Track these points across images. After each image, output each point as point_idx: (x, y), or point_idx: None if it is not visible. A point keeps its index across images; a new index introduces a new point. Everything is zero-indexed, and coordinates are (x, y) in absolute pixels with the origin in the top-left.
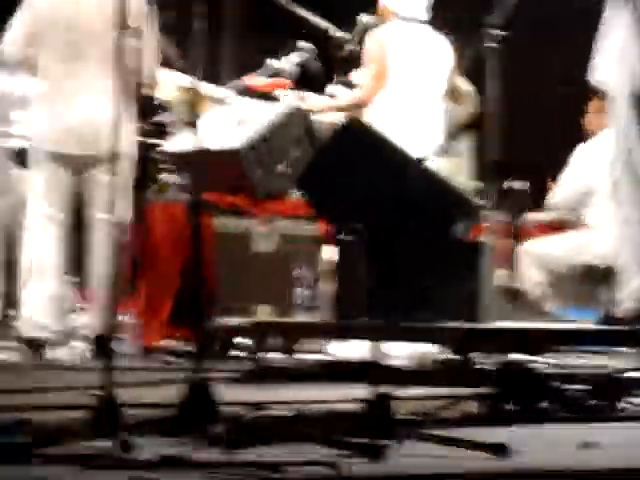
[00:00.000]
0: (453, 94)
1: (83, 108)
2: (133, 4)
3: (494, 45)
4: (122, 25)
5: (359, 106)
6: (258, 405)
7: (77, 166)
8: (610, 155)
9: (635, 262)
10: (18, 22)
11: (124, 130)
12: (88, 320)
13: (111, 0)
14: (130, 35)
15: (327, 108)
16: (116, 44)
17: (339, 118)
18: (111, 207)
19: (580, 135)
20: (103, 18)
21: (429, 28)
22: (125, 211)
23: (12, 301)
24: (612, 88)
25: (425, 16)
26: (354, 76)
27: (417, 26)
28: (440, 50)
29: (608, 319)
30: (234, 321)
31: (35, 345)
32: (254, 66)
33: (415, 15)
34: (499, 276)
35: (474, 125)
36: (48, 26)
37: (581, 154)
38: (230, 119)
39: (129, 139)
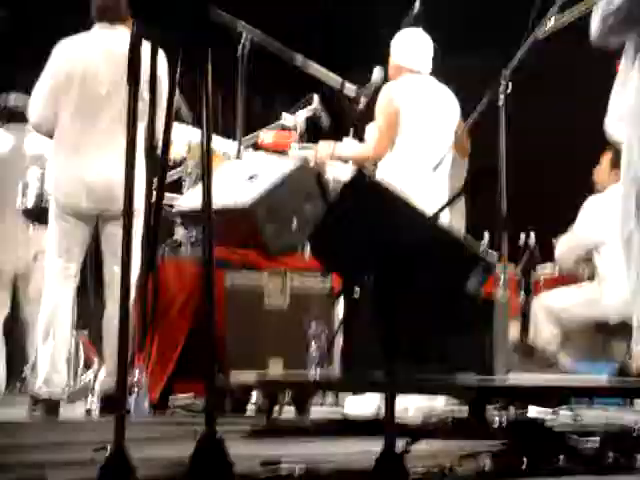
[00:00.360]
0: (458, 147)
1: (99, 164)
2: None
3: (504, 97)
4: (136, 81)
5: (367, 159)
6: (271, 461)
7: (94, 223)
8: (621, 209)
9: None
10: (42, 88)
11: (138, 187)
12: (102, 376)
13: (124, 56)
14: (145, 91)
15: (335, 156)
16: (130, 100)
17: (349, 173)
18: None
19: (591, 188)
20: (119, 75)
21: (434, 80)
22: (137, 268)
23: (26, 358)
24: (626, 142)
25: (430, 67)
26: (367, 130)
27: (425, 78)
28: (447, 102)
29: (623, 372)
30: (248, 376)
31: (50, 403)
32: (266, 121)
33: (423, 68)
34: (513, 330)
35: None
36: (66, 84)
37: (591, 206)
38: (241, 174)
39: (142, 195)
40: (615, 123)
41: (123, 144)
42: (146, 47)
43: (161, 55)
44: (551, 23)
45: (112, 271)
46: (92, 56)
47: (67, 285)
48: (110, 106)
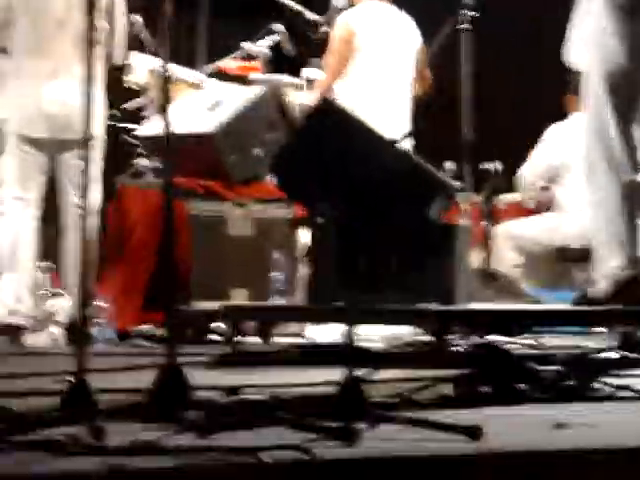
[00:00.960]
0: (419, 77)
1: (54, 91)
2: None
3: (467, 26)
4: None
5: (319, 91)
6: (232, 389)
7: (49, 150)
8: (584, 137)
9: (609, 243)
10: None
11: (96, 114)
12: (63, 305)
13: None
14: (101, 18)
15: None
16: (87, 27)
17: (312, 99)
18: (84, 192)
19: (556, 117)
20: (74, 1)
21: (396, 9)
22: (98, 196)
23: None
24: (586, 68)
25: None
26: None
27: (385, 7)
28: (408, 31)
29: (583, 299)
30: (210, 305)
31: (12, 331)
32: (228, 49)
33: None
34: (475, 258)
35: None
36: (19, 8)
37: (554, 133)
38: (203, 103)
39: (101, 123)
40: (576, 47)
41: (78, 70)
42: None
43: None
44: None
45: (69, 200)
46: None
47: (26, 215)
48: (64, 32)
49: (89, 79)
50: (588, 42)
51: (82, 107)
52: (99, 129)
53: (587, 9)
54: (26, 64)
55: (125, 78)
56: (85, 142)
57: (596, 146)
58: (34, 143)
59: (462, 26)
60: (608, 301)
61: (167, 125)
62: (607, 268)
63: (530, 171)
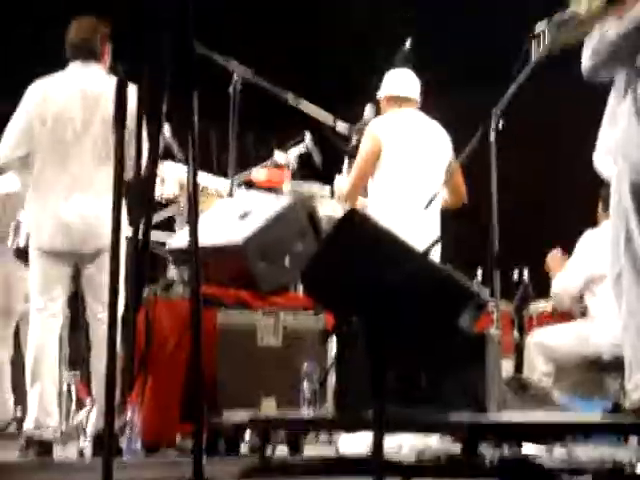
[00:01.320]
0: (452, 187)
1: (73, 204)
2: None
3: (497, 134)
4: (122, 121)
5: (342, 199)
6: None
7: (70, 262)
8: (610, 247)
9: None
10: (14, 127)
11: (117, 226)
12: (91, 417)
13: (97, 95)
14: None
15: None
16: (116, 140)
17: (342, 210)
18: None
19: (590, 224)
20: (90, 113)
21: (425, 116)
22: (120, 307)
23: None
24: (614, 178)
25: (418, 102)
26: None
27: (415, 114)
28: (438, 139)
29: (616, 410)
30: (239, 416)
31: (41, 445)
32: (258, 158)
33: (411, 101)
34: (506, 367)
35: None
36: (39, 124)
37: (586, 241)
38: (233, 213)
39: (122, 235)
40: (603, 158)
41: (98, 182)
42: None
43: (132, 91)
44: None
45: (94, 312)
46: (65, 96)
47: (51, 325)
48: (81, 145)
49: (118, 190)
50: (615, 152)
51: (101, 219)
52: (121, 241)
53: (614, 118)
54: (45, 177)
55: (155, 189)
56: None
57: (623, 256)
58: (55, 256)
59: (491, 134)
60: (637, 412)
61: (196, 235)
62: (637, 378)
63: (566, 281)
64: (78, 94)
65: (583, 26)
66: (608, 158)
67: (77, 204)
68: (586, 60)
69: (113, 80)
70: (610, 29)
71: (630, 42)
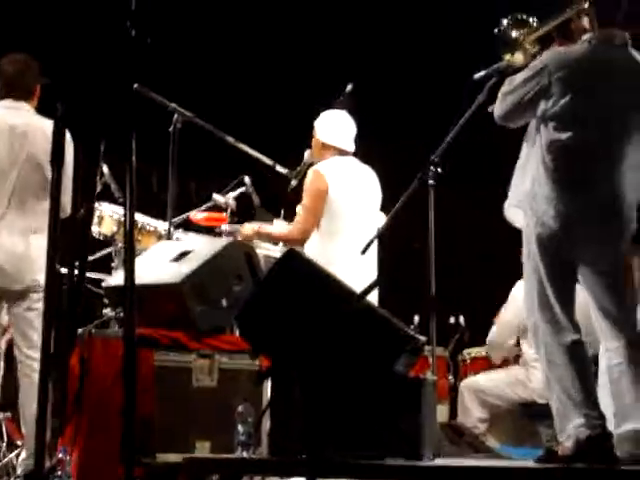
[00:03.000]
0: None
1: (3, 242)
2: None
3: (433, 182)
4: (58, 162)
5: (292, 240)
6: None
7: (3, 300)
8: (525, 297)
9: (564, 402)
10: None
11: (42, 264)
12: (22, 457)
13: (25, 133)
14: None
15: (258, 233)
16: (53, 178)
17: (280, 252)
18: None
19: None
20: (18, 151)
21: (360, 163)
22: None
23: None
24: (524, 230)
25: (353, 148)
26: (297, 211)
27: (350, 160)
28: (371, 183)
29: (547, 457)
30: (173, 458)
31: None
32: (197, 200)
33: (348, 148)
34: (441, 412)
35: None
36: None
37: (518, 291)
38: (171, 253)
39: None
40: (514, 208)
41: (22, 221)
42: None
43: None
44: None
45: (21, 350)
46: None
47: None
48: (7, 183)
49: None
50: (524, 204)
51: (30, 257)
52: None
53: (524, 168)
54: None
55: (92, 228)
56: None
57: (537, 307)
58: None
59: (429, 182)
60: (571, 460)
61: (131, 275)
62: (569, 427)
63: (501, 328)
64: (7, 131)
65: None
66: (518, 210)
67: (4, 242)
68: (497, 104)
69: (42, 119)
70: (519, 75)
71: (529, 88)
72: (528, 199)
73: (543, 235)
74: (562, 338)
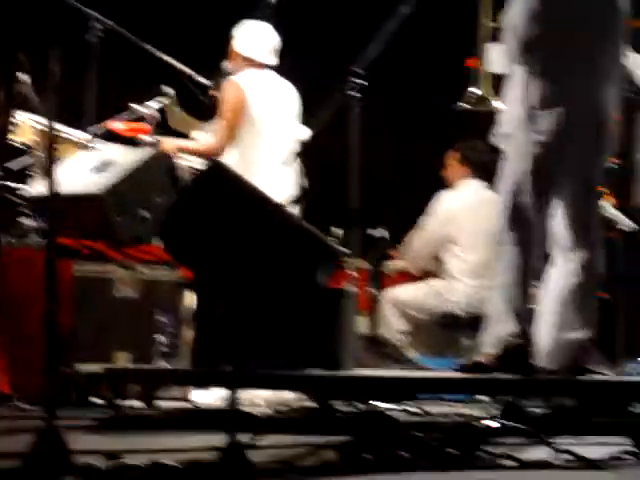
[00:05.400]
0: None
1: None
2: None
3: (356, 94)
4: None
5: (212, 154)
6: (112, 454)
7: None
8: (501, 210)
9: (502, 310)
10: None
11: None
12: None
13: None
14: None
15: (179, 149)
16: None
17: (201, 163)
18: None
19: (440, 185)
20: None
21: (278, 76)
22: None
23: None
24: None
25: (274, 61)
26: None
27: (269, 73)
28: (290, 97)
29: (468, 367)
30: (93, 368)
31: None
32: (117, 110)
33: (267, 61)
34: (361, 323)
35: None
36: None
37: (442, 202)
38: (91, 163)
39: None
40: (503, 131)
41: None
42: None
43: None
44: None
45: None
46: None
47: None
48: None
49: None
50: (512, 125)
51: None
52: None
53: (513, 95)
54: None
55: (10, 137)
56: None
57: (507, 215)
58: None
59: (351, 94)
60: (494, 368)
61: (53, 185)
62: (497, 335)
63: (420, 240)
64: None
65: None
66: (506, 130)
67: None
68: None
69: None
70: None
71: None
72: (524, 122)
73: (539, 151)
74: (523, 250)
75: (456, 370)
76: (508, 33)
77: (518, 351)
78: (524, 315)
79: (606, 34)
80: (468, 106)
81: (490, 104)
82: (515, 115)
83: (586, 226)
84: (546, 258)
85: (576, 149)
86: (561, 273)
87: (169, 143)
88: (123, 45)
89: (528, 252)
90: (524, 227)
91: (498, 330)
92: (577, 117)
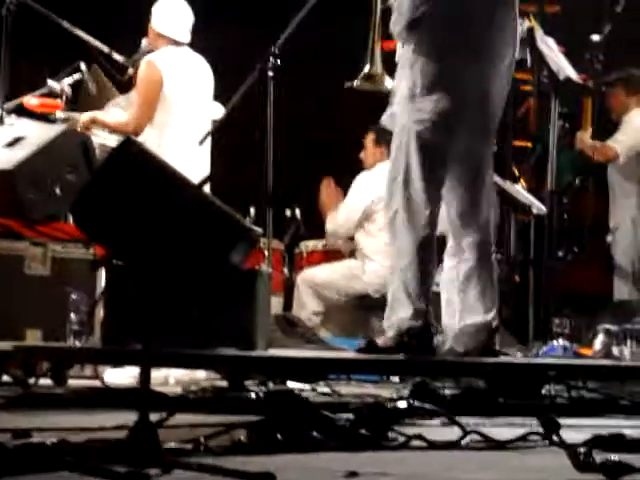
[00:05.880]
0: None
1: None
2: None
3: (273, 74)
4: None
5: (127, 131)
6: (21, 432)
7: None
8: (387, 186)
9: (399, 294)
10: None
11: None
12: None
13: None
14: None
15: (93, 120)
16: None
17: (115, 141)
18: None
19: (359, 166)
20: None
21: (196, 54)
22: None
23: None
24: (398, 128)
25: (188, 38)
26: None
27: (185, 50)
28: (205, 74)
29: (366, 348)
30: (2, 345)
31: None
32: (30, 85)
33: (183, 38)
34: (275, 304)
35: None
36: None
37: (361, 182)
38: (3, 139)
39: None
40: (393, 111)
41: None
42: None
43: None
44: None
45: None
46: None
47: None
48: None
49: None
50: (402, 103)
51: None
52: None
53: (401, 74)
54: None
55: None
56: None
57: (399, 197)
58: None
59: (269, 73)
60: (388, 349)
61: None
62: (396, 317)
63: (341, 219)
64: None
65: None
66: (396, 109)
67: None
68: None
69: None
70: None
71: None
72: (407, 101)
73: (422, 131)
74: (416, 232)
75: (356, 351)
76: (395, 12)
77: (416, 333)
78: (422, 297)
79: (496, 18)
80: (361, 85)
81: (383, 84)
82: (401, 95)
83: (476, 210)
84: (441, 241)
85: (465, 132)
86: (455, 259)
87: (85, 115)
88: (37, 20)
89: (422, 234)
90: (417, 210)
91: (397, 312)
92: (465, 99)
